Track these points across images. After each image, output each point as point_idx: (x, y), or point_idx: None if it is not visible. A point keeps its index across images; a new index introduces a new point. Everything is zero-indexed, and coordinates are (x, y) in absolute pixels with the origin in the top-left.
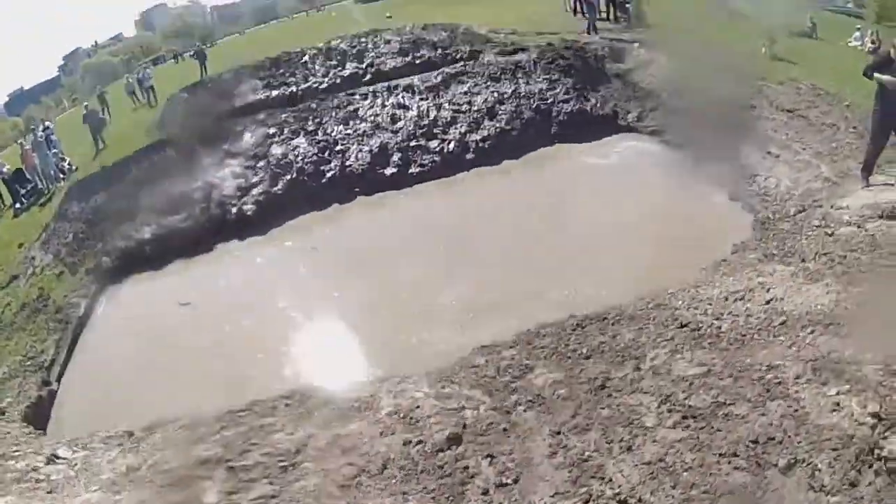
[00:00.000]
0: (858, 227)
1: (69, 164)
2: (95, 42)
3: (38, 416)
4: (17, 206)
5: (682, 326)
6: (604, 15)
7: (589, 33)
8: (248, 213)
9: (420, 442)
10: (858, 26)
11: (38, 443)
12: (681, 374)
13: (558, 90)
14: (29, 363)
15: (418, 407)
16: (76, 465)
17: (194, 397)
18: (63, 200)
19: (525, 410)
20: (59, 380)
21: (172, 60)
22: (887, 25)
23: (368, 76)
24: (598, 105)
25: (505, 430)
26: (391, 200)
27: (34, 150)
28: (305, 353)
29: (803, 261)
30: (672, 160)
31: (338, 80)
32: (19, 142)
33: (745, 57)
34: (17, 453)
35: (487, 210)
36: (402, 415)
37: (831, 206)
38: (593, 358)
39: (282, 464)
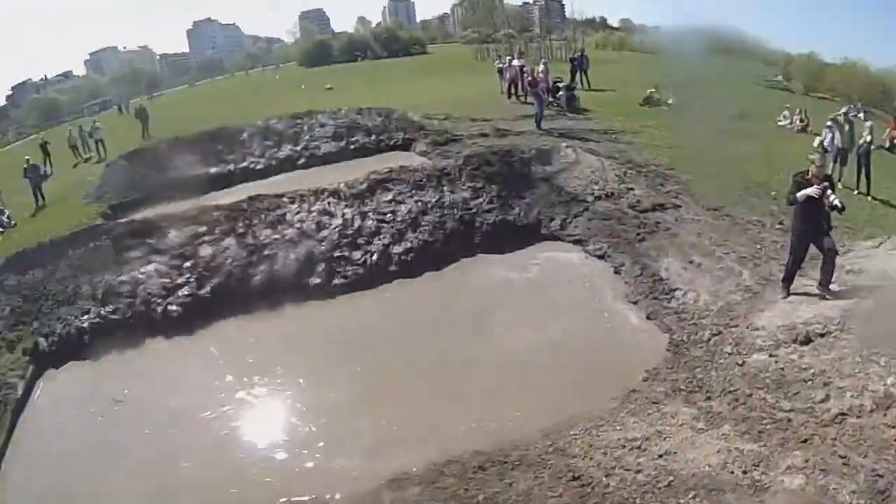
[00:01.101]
0: (770, 354)
1: (8, 217)
2: (45, 77)
3: None
4: None
5: (573, 479)
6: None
7: (539, 128)
8: (174, 314)
9: None
10: (787, 105)
11: None
12: None
13: (482, 199)
14: None
15: None
16: None
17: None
18: (2, 269)
19: None
20: None
21: (117, 109)
22: (814, 97)
23: (303, 160)
24: (522, 214)
25: None
26: (315, 311)
27: None
28: (228, 466)
29: (709, 398)
30: (592, 272)
31: (273, 162)
32: None
33: (671, 151)
34: None
35: (405, 325)
36: None
37: (747, 326)
38: None
39: None
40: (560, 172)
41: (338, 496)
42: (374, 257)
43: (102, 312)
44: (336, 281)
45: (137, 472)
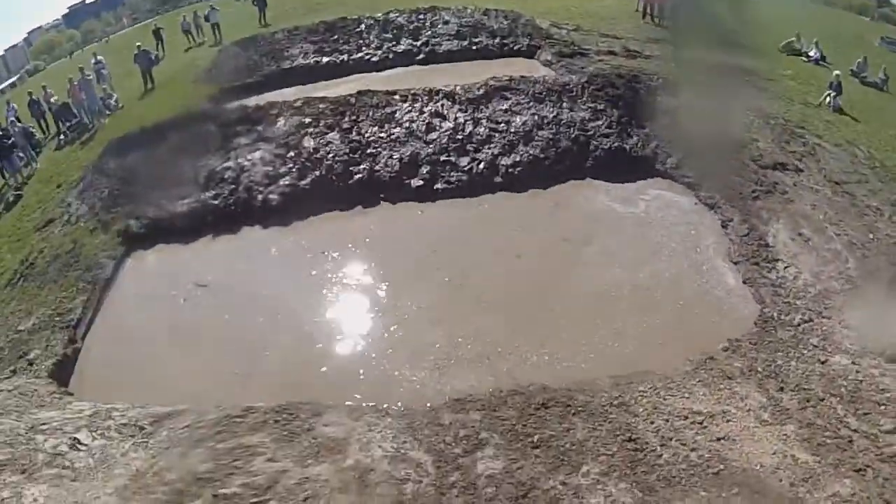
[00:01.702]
0: (853, 361)
1: (115, 100)
2: None
3: (63, 372)
4: (61, 137)
5: (629, 440)
6: None
7: None
8: (273, 202)
9: None
10: None
11: (62, 413)
12: None
13: (601, 122)
14: (58, 319)
15: (373, 470)
16: (95, 454)
17: (202, 385)
18: (102, 154)
19: (457, 495)
20: (83, 338)
21: None
22: None
23: (422, 55)
24: (640, 144)
25: None
26: (412, 213)
27: (81, 89)
28: (301, 360)
29: (782, 389)
30: (699, 222)
31: (390, 55)
32: (69, 77)
33: (806, 108)
34: (45, 428)
35: (500, 243)
36: (358, 473)
37: (840, 322)
38: (539, 450)
39: (254, 499)
40: (686, 109)
41: (399, 405)
42: (481, 166)
43: (203, 197)
44: (438, 185)
45: (212, 356)
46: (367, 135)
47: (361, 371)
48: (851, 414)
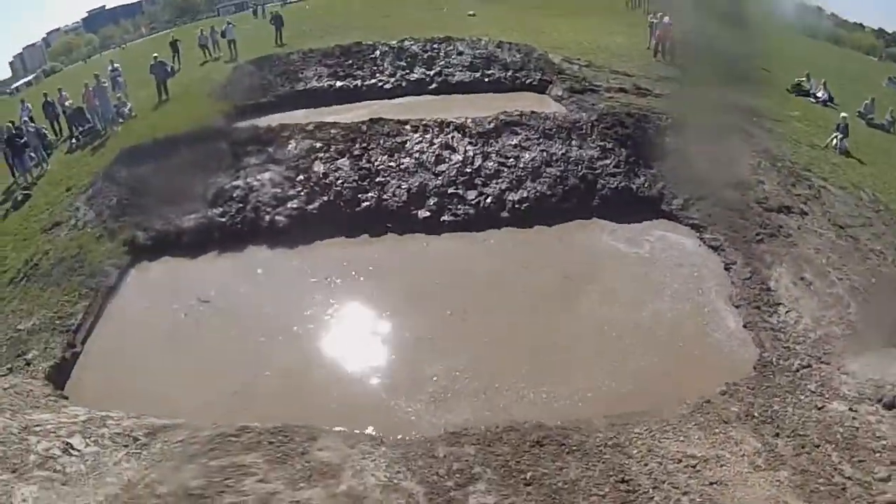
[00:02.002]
0: (851, 408)
1: (129, 109)
2: None
3: (60, 376)
4: (73, 141)
5: (621, 481)
6: None
7: None
8: (280, 224)
9: None
10: None
11: (56, 416)
12: None
13: (609, 161)
14: (58, 322)
15: (365, 498)
16: (88, 460)
17: (198, 400)
18: (113, 162)
19: None
20: (83, 343)
21: (252, 12)
22: None
23: (434, 84)
24: (646, 185)
25: None
26: (418, 245)
27: (96, 95)
28: (299, 384)
29: (777, 435)
30: (702, 264)
31: (403, 83)
32: (85, 82)
33: (813, 150)
34: (38, 429)
35: (503, 279)
36: (350, 500)
37: (838, 368)
38: (531, 487)
39: None
40: (695, 149)
41: (394, 437)
42: (489, 200)
43: (210, 213)
44: (445, 218)
45: (210, 372)
46: (376, 163)
47: (358, 399)
48: (846, 461)
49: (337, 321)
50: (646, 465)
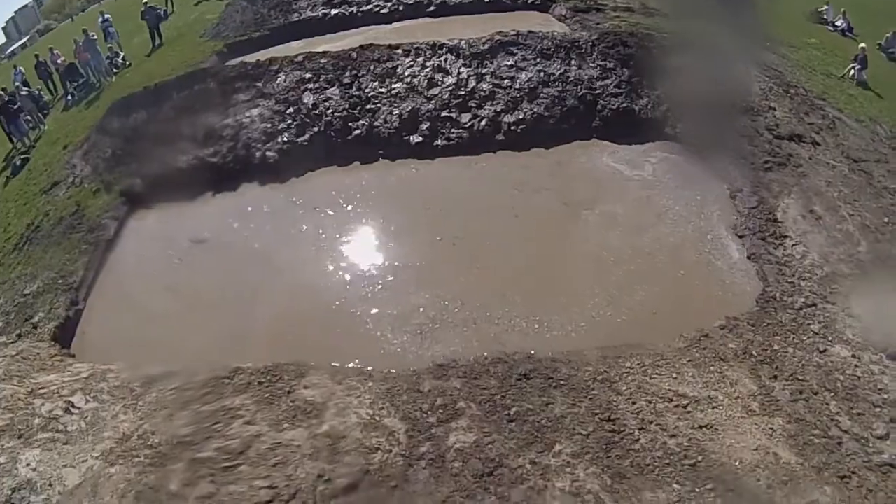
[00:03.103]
0: (854, 354)
1: (123, 58)
2: None
3: (65, 334)
4: (68, 98)
5: (607, 420)
6: None
7: None
8: (271, 159)
9: (328, 480)
10: None
11: (60, 376)
12: (552, 498)
13: (610, 81)
14: (61, 281)
15: (345, 437)
16: (87, 417)
17: (196, 344)
18: (105, 114)
19: (424, 467)
20: (85, 299)
21: None
22: None
23: (433, 7)
24: (650, 106)
25: (394, 487)
26: (410, 170)
27: (86, 49)
28: (291, 319)
29: (775, 377)
30: (706, 189)
31: (400, 7)
32: (74, 38)
33: (828, 80)
34: (43, 392)
35: (498, 203)
36: (332, 440)
37: (843, 309)
38: (514, 424)
39: (226, 464)
40: (702, 70)
41: (381, 371)
42: (483, 123)
43: (201, 154)
44: (438, 142)
45: (208, 314)
46: (367, 90)
47: (347, 332)
48: (844, 413)
49: (326, 253)
50: (634, 403)
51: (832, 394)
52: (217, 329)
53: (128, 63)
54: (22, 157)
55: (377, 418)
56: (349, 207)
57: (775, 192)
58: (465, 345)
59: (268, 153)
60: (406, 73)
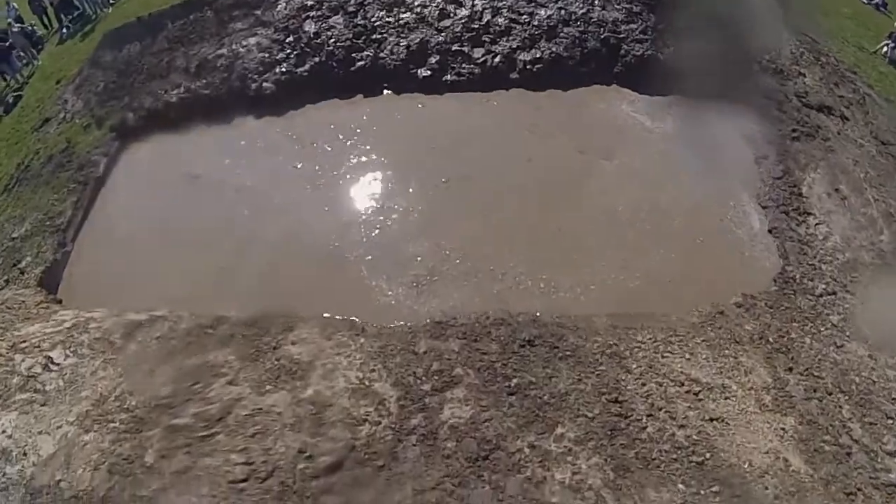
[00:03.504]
0: (870, 355)
1: None
2: None
3: (52, 279)
4: (63, 31)
5: (615, 401)
6: None
7: None
8: (267, 91)
9: (309, 457)
10: None
11: (43, 326)
12: (551, 493)
13: (636, 26)
14: (48, 223)
15: (331, 405)
16: (66, 374)
17: (182, 286)
18: (97, 47)
19: (414, 444)
20: (73, 241)
21: None
22: None
23: None
24: (676, 57)
25: (381, 467)
26: (416, 105)
27: None
28: (282, 262)
29: (790, 369)
30: (731, 151)
31: None
32: None
33: (860, 53)
34: (24, 345)
35: (509, 146)
36: (315, 409)
37: (862, 303)
38: (515, 398)
39: (203, 432)
40: (733, 24)
41: (374, 325)
42: (497, 60)
43: (193, 87)
44: (447, 77)
45: (196, 254)
46: (373, 19)
47: (340, 279)
48: (857, 420)
49: (322, 191)
50: (644, 384)
51: (846, 396)
52: (205, 272)
53: None
54: (15, 94)
55: (367, 383)
56: (349, 143)
57: (802, 165)
58: (465, 301)
59: (264, 84)
60: (416, 3)
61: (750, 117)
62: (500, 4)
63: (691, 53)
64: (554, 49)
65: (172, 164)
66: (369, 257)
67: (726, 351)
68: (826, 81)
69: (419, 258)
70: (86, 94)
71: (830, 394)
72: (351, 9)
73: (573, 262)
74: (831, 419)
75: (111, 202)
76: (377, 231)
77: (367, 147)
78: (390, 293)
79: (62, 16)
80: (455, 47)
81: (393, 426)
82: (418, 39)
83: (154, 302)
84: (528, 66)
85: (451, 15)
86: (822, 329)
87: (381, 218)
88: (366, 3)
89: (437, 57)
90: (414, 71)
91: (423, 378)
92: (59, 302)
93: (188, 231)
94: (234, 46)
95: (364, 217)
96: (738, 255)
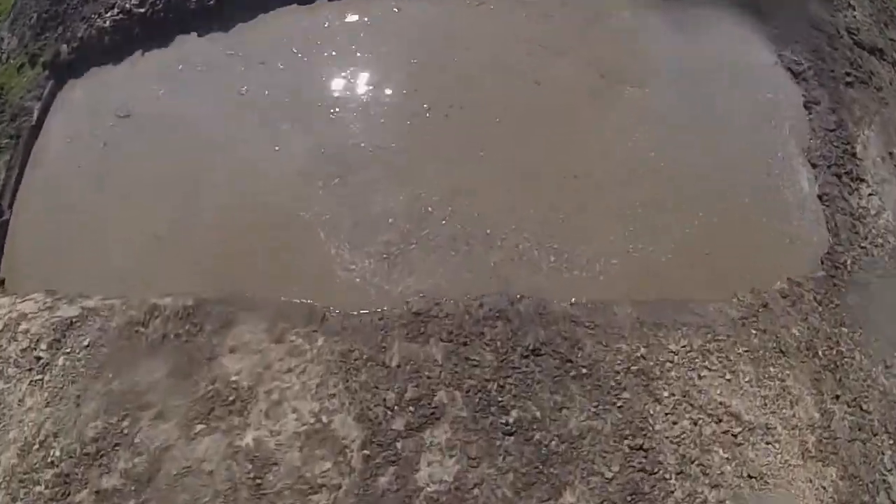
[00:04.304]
0: None
1: None
2: None
3: None
4: None
5: (638, 450)
6: None
7: None
8: (209, 3)
9: None
10: None
11: None
12: None
13: None
14: None
15: (276, 464)
16: None
17: (118, 261)
18: None
19: None
20: (10, 206)
21: None
22: None
23: None
24: None
25: None
26: (391, 8)
27: None
28: (224, 226)
29: (837, 398)
30: (778, 90)
31: None
32: None
33: None
34: None
35: (510, 65)
36: (254, 469)
37: None
38: (512, 442)
39: (132, 500)
40: None
41: (334, 311)
42: None
43: (128, 5)
44: None
45: (133, 218)
46: None
47: (293, 248)
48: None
49: (275, 127)
50: (675, 422)
51: (891, 438)
52: (141, 242)
53: None
54: None
55: (325, 420)
56: (307, 60)
57: (856, 118)
58: (451, 278)
59: None
60: None
61: (798, 49)
62: None
63: None
64: None
65: (105, 103)
66: (328, 216)
67: (771, 369)
68: (877, 19)
69: (391, 219)
70: (20, 29)
71: (876, 434)
72: None
73: (590, 226)
74: (871, 469)
75: (47, 158)
76: (338, 181)
77: (329, 66)
78: (354, 267)
79: None
80: None
81: (357, 491)
82: None
83: (90, 282)
84: None
85: None
86: (873, 339)
87: (345, 161)
88: None
89: None
90: None
91: (396, 408)
92: (2, 283)
93: (121, 188)
94: None
95: (323, 160)
96: (784, 223)
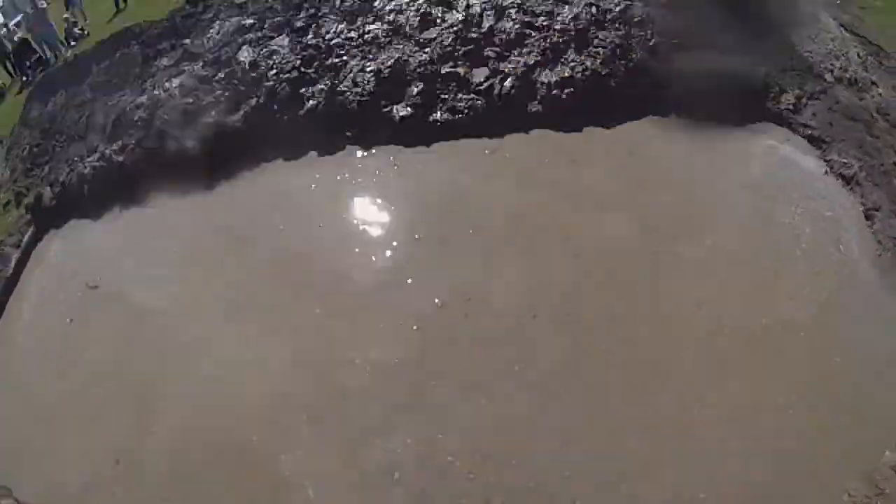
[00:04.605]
0: None
1: (81, 28)
2: None
3: None
4: (24, 79)
5: None
6: None
7: None
8: (192, 151)
9: None
10: None
11: None
12: None
13: (695, 28)
14: None
15: None
16: None
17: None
18: (27, 100)
19: None
20: None
21: None
22: None
23: None
24: (744, 70)
25: None
26: (390, 165)
27: (36, 21)
28: (194, 433)
29: None
30: (832, 201)
31: None
32: (25, 10)
33: None
34: None
35: (534, 229)
36: None
37: None
38: None
39: None
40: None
41: None
42: (507, 84)
43: (108, 152)
44: (436, 115)
45: (90, 424)
46: (328, 36)
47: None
48: None
49: (250, 318)
50: None
51: None
52: (97, 459)
53: (87, 33)
54: None
55: None
56: (293, 234)
57: None
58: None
59: (187, 143)
60: (387, 8)
61: (843, 148)
62: (505, 2)
63: (758, 67)
64: (588, 64)
65: (78, 267)
66: (307, 468)
67: None
68: None
69: (397, 474)
70: (14, 160)
71: None
72: (299, 24)
73: (656, 451)
74: None
75: (14, 326)
76: (328, 404)
77: (320, 240)
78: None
79: (21, 63)
80: (446, 69)
81: None
82: (392, 61)
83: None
84: (552, 92)
85: (438, 21)
86: None
87: (332, 379)
88: (319, 14)
89: (421, 85)
90: (387, 109)
91: None
92: None
93: (79, 381)
94: (155, 91)
95: (304, 379)
96: (877, 369)
